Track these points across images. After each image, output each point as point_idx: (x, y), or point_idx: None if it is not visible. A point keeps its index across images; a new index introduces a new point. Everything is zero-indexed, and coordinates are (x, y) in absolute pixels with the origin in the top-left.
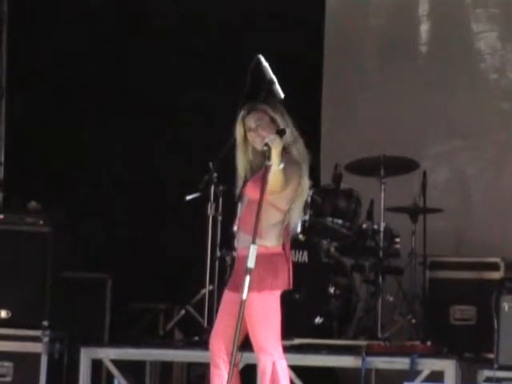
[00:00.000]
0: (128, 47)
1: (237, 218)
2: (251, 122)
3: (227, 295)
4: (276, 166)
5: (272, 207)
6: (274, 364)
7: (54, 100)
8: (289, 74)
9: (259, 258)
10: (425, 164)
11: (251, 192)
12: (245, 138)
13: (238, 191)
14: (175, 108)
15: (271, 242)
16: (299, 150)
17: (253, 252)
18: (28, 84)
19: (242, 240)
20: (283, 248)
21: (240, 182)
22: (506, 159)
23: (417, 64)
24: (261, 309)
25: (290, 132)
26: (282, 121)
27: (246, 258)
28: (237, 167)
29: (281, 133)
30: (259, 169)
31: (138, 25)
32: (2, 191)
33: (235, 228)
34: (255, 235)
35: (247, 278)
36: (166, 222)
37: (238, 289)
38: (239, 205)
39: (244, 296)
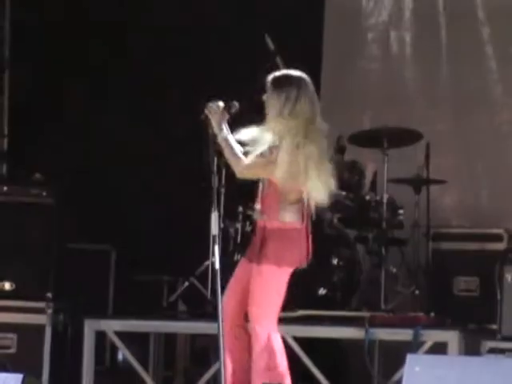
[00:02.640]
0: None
1: (259, 196)
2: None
3: (242, 262)
4: (218, 134)
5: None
6: (269, 336)
7: (58, 71)
8: (289, 45)
9: (276, 232)
10: (428, 135)
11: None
12: None
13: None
14: (180, 80)
15: (289, 217)
16: (296, 136)
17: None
18: (32, 55)
19: (258, 214)
20: (304, 225)
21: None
22: (510, 130)
23: (424, 33)
24: (270, 282)
25: (280, 118)
26: (270, 103)
27: (261, 229)
28: None
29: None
30: None
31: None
32: (6, 163)
33: (258, 206)
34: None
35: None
36: (171, 194)
37: (251, 259)
38: (260, 183)
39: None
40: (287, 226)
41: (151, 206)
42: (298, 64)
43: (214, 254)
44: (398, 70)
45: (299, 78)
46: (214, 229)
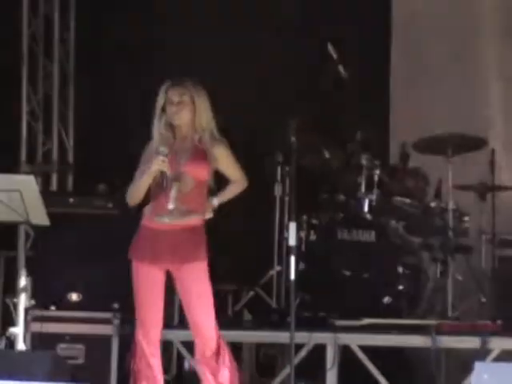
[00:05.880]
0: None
1: (172, 197)
2: (174, 95)
3: (150, 270)
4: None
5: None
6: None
7: (122, 82)
8: (357, 53)
9: (199, 230)
10: (493, 142)
11: (199, 173)
12: (163, 109)
13: (165, 168)
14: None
15: (207, 215)
16: (215, 131)
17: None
18: (95, 68)
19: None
20: None
21: (151, 155)
22: None
23: (485, 42)
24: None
25: (210, 117)
26: (202, 103)
27: (179, 231)
28: (154, 138)
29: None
30: (183, 145)
31: None
32: (72, 175)
33: (171, 206)
34: (291, 213)
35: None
36: (233, 204)
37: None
38: (164, 181)
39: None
40: (203, 223)
41: (214, 217)
42: (364, 74)
43: (290, 265)
44: (466, 78)
45: None
46: (292, 239)
